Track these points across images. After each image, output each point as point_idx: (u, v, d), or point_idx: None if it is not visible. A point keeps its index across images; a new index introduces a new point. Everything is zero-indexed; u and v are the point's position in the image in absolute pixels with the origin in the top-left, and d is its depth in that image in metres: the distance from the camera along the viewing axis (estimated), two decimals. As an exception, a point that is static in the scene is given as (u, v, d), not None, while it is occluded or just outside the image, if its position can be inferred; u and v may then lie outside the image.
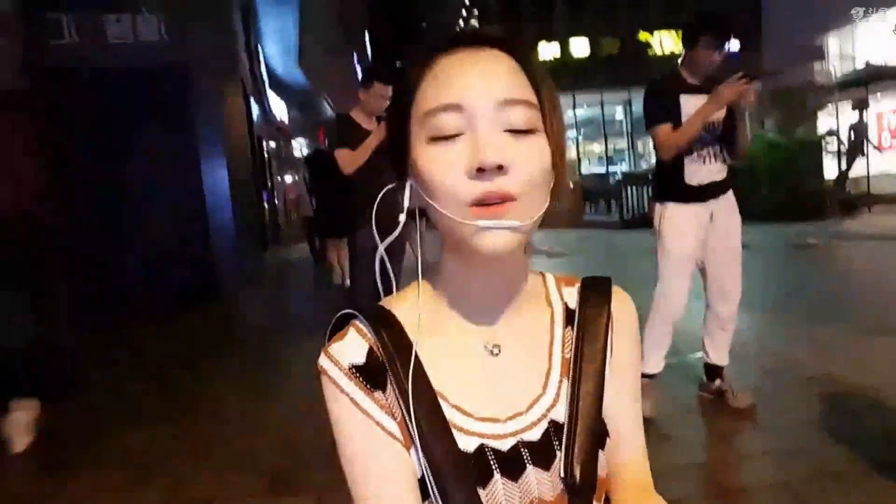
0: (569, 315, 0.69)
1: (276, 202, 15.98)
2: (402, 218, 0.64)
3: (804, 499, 1.92)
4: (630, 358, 0.71)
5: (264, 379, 3.76)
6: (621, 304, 0.71)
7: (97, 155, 6.21)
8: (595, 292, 0.70)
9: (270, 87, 14.31)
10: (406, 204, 0.64)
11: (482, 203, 0.56)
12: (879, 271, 6.29)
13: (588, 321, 0.67)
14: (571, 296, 0.71)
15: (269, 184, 14.65)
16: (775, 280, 6.36)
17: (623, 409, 0.69)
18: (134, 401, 3.45)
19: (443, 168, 0.57)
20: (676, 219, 2.58)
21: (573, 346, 0.67)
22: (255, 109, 12.05)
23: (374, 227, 0.67)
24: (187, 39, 6.62)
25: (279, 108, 15.47)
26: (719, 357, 2.70)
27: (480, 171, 0.55)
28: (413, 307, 0.65)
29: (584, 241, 10.06)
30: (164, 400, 3.46)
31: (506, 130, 0.57)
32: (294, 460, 2.51)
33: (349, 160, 3.27)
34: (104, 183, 6.26)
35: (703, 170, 2.55)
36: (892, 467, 2.06)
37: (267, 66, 13.84)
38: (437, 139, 0.58)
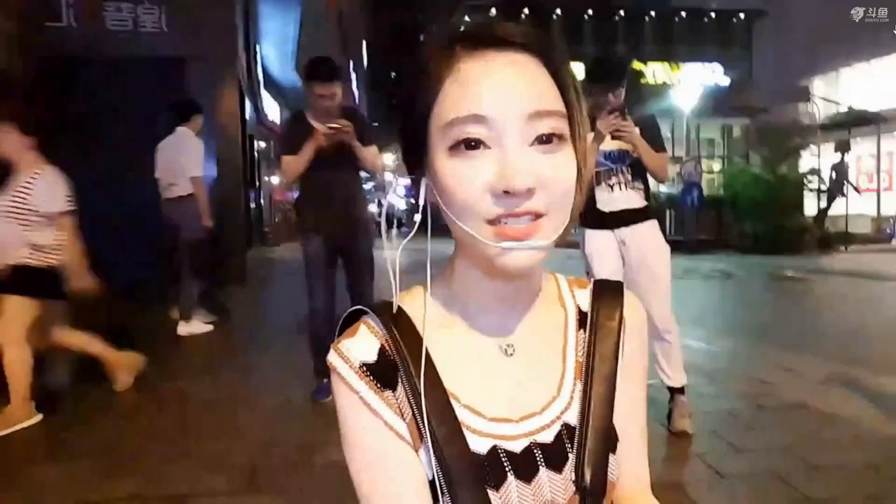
0: (581, 318, 0.69)
1: (263, 202, 15.87)
2: (418, 217, 0.62)
3: (779, 521, 1.94)
4: (640, 362, 0.71)
5: (240, 377, 3.71)
6: (633, 309, 0.70)
7: (88, 141, 6.12)
8: (608, 296, 0.70)
9: (265, 87, 14.28)
10: (421, 203, 0.61)
11: (503, 222, 0.54)
12: (854, 306, 6.43)
13: (601, 324, 0.67)
14: (584, 298, 0.70)
15: (257, 184, 14.55)
16: (754, 309, 6.47)
17: (630, 413, 0.69)
18: (107, 393, 3.38)
19: (464, 183, 0.55)
20: (594, 244, 2.78)
21: (586, 348, 0.66)
22: (249, 108, 12.00)
23: (384, 232, 0.65)
24: (187, 33, 6.59)
25: (272, 109, 15.43)
26: (671, 378, 2.74)
27: (506, 194, 0.53)
28: (424, 306, 0.64)
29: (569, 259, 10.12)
30: (137, 394, 3.39)
31: (534, 143, 0.55)
32: (269, 460, 2.47)
33: (288, 168, 3.06)
34: (92, 171, 6.16)
35: (613, 198, 2.71)
36: (873, 499, 2.10)
37: (263, 65, 13.82)
38: (458, 151, 0.55)
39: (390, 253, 0.62)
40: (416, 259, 0.63)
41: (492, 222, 0.54)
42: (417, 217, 0.62)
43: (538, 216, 0.54)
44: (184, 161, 4.60)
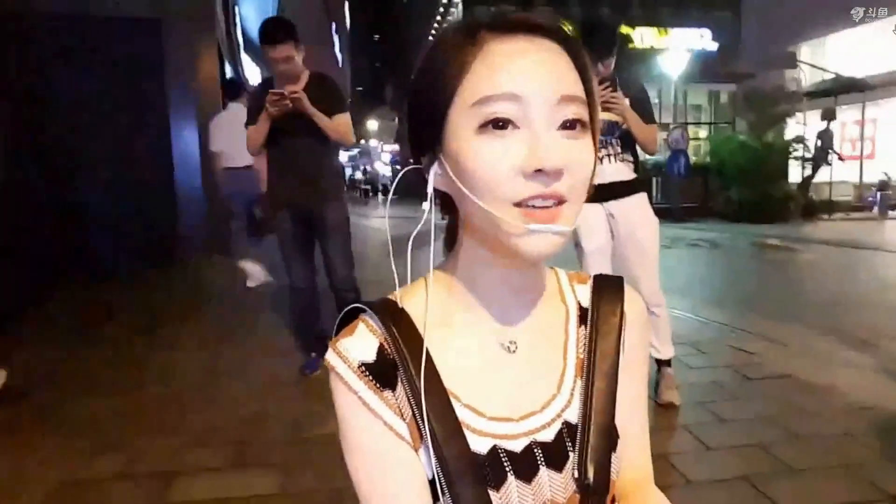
0: (582, 314, 0.68)
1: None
2: (426, 206, 0.61)
3: (764, 492, 1.98)
4: (641, 356, 0.71)
5: (226, 352, 3.68)
6: (633, 304, 0.70)
7: (61, 105, 5.92)
8: (608, 291, 0.69)
9: (245, 50, 13.89)
10: (430, 190, 0.60)
11: (530, 204, 0.54)
12: (837, 275, 6.53)
13: (602, 320, 0.67)
14: (584, 293, 0.70)
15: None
16: (739, 278, 6.55)
17: (632, 408, 0.69)
18: (93, 368, 3.34)
19: (491, 162, 0.53)
20: (582, 216, 2.70)
21: (587, 345, 0.66)
22: (229, 72, 11.68)
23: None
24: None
25: (253, 73, 15.04)
26: (659, 351, 2.77)
27: (538, 173, 0.53)
28: (425, 302, 0.63)
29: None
30: (124, 369, 3.35)
31: (560, 127, 0.55)
32: (256, 435, 2.46)
33: (248, 139, 2.94)
34: (68, 135, 5.99)
35: (601, 170, 2.64)
36: (854, 466, 2.15)
37: (243, 28, 13.41)
38: (486, 129, 0.54)
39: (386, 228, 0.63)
40: (407, 230, 0.62)
41: (518, 205, 0.54)
42: (425, 205, 0.61)
43: (561, 201, 0.54)
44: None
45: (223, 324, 4.34)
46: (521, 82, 0.54)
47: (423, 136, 0.60)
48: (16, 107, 5.26)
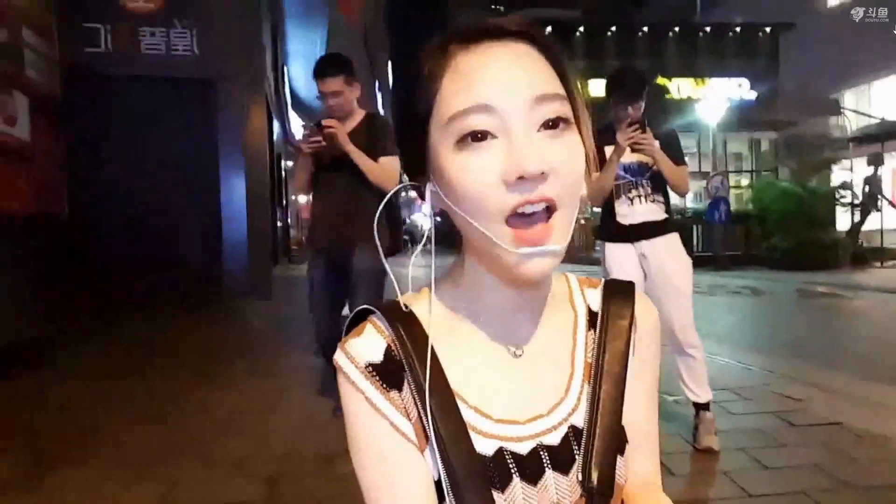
0: (591, 317, 0.68)
1: (289, 220, 16.12)
2: (428, 223, 0.62)
3: (808, 541, 1.89)
4: (651, 361, 0.70)
5: (264, 388, 3.76)
6: (644, 309, 0.69)
7: (123, 159, 6.39)
8: (618, 295, 0.69)
9: (293, 106, 14.58)
10: (429, 210, 0.61)
11: (520, 212, 0.53)
12: (888, 323, 6.23)
13: (611, 323, 0.66)
14: (594, 298, 0.70)
15: (284, 202, 14.80)
16: (784, 325, 6.32)
17: (642, 412, 0.68)
18: (137, 401, 3.46)
19: (475, 175, 0.53)
20: (614, 257, 2.77)
21: (595, 348, 0.65)
22: (277, 127, 12.27)
23: (378, 244, 0.66)
24: (216, 54, 6.81)
25: (299, 128, 15.73)
26: (696, 394, 2.70)
27: (520, 180, 0.52)
28: (433, 305, 0.64)
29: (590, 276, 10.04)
30: (166, 402, 3.46)
31: (540, 128, 0.54)
32: (290, 470, 2.49)
33: (295, 181, 2.83)
34: (128, 186, 6.43)
35: (633, 211, 2.70)
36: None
37: (291, 85, 14.12)
38: (465, 145, 0.54)
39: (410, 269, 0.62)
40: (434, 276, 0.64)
41: (508, 221, 0.54)
42: (426, 224, 0.62)
43: (552, 207, 0.54)
44: None
45: (261, 361, 4.44)
46: (491, 91, 0.53)
47: (411, 155, 0.61)
48: (82, 161, 5.68)
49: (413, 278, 0.63)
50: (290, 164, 16.21)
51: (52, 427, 3.04)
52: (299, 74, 13.76)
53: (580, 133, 0.58)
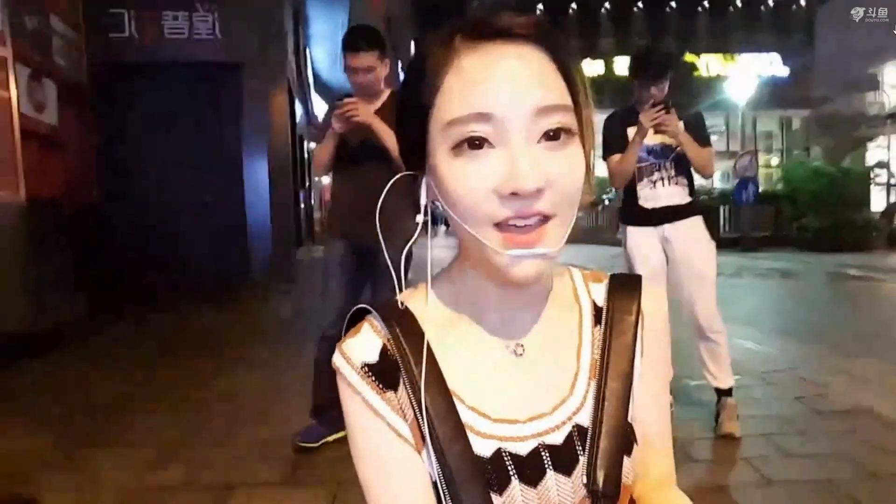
0: (597, 313, 0.66)
1: (313, 202, 16.25)
2: (420, 218, 0.60)
3: (830, 530, 1.86)
4: (660, 357, 0.67)
5: (285, 374, 3.81)
6: (651, 302, 0.67)
7: (146, 144, 6.48)
8: (624, 289, 0.66)
9: (315, 89, 14.61)
10: (423, 202, 0.60)
11: (511, 223, 0.52)
12: (924, 308, 6.06)
13: (616, 319, 0.64)
14: (599, 293, 0.67)
15: (308, 184, 14.91)
16: (813, 309, 6.19)
17: (652, 408, 0.66)
18: (164, 386, 3.55)
19: (469, 185, 0.52)
20: (635, 241, 2.73)
21: (601, 344, 0.64)
22: (299, 110, 12.31)
23: (378, 229, 0.64)
24: (239, 38, 6.84)
25: (322, 111, 15.79)
26: (718, 380, 2.67)
27: (514, 195, 0.51)
28: (430, 303, 0.62)
29: (615, 258, 9.95)
30: (190, 386, 3.54)
31: (541, 139, 0.53)
32: (311, 453, 2.54)
33: (314, 160, 2.60)
34: (151, 171, 6.54)
35: (656, 194, 2.66)
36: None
37: (313, 68, 14.14)
38: (462, 150, 0.53)
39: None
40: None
41: (499, 226, 0.53)
42: (420, 218, 0.60)
43: (546, 218, 0.53)
44: None
45: (285, 345, 4.51)
46: (492, 100, 0.51)
47: (410, 148, 0.60)
48: (105, 146, 5.79)
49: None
50: (312, 146, 16.32)
51: (85, 409, 3.14)
52: (321, 57, 13.77)
53: (582, 142, 0.56)
